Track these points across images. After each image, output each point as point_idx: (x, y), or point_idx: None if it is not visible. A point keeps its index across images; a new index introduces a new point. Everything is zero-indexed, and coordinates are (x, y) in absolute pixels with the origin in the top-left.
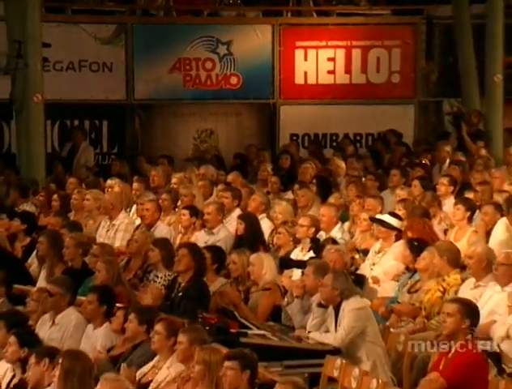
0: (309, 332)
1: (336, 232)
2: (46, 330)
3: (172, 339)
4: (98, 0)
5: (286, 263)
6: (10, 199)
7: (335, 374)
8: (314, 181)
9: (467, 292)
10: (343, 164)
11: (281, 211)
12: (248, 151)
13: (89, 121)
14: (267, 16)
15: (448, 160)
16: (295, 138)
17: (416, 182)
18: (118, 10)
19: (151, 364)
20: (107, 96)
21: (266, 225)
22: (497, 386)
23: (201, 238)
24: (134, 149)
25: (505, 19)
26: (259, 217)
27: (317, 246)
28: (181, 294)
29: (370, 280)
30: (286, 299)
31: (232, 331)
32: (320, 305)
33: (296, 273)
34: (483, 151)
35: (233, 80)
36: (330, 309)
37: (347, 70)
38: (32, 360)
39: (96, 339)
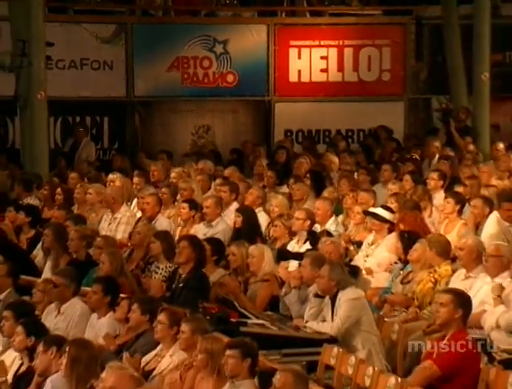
0: (306, 322)
1: (331, 225)
2: (52, 319)
3: (175, 328)
4: (99, 1)
5: (284, 255)
6: (14, 193)
7: (332, 361)
8: (308, 175)
9: (457, 282)
10: (336, 159)
11: (277, 204)
12: (244, 147)
13: (90, 117)
14: (262, 16)
15: (437, 155)
16: (289, 134)
17: (407, 177)
18: (118, 10)
19: (154, 352)
20: (108, 94)
21: (262, 218)
22: (488, 373)
23: (200, 231)
24: (134, 144)
25: (491, 20)
26: (256, 210)
27: (313, 239)
28: (182, 285)
29: (364, 271)
30: (284, 289)
31: (232, 320)
32: (317, 295)
33: (293, 264)
34: (471, 147)
35: (230, 78)
36: (327, 300)
37: (340, 69)
38: (40, 348)
39: (100, 329)
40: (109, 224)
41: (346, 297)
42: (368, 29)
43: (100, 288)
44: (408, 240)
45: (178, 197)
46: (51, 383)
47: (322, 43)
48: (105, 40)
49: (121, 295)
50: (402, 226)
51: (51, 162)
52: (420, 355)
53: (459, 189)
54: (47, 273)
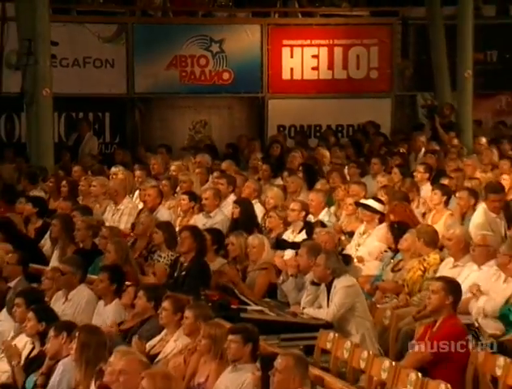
0: (303, 308)
1: (324, 216)
2: (60, 305)
3: (179, 314)
4: (101, 2)
5: (281, 245)
6: (21, 185)
7: (328, 346)
8: (301, 168)
9: (446, 270)
10: (327, 153)
11: (273, 196)
12: (239, 141)
13: (93, 113)
14: (256, 17)
15: (423, 149)
16: (282, 129)
17: (395, 170)
18: (119, 11)
19: (158, 337)
20: (109, 90)
21: (258, 210)
22: (476, 357)
23: (199, 221)
24: (135, 139)
25: (474, 20)
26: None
27: (309, 229)
28: (184, 273)
29: (355, 260)
30: (281, 277)
31: (233, 307)
32: (313, 282)
33: (288, 253)
34: (455, 141)
35: (225, 76)
36: (323, 287)
37: (330, 67)
38: (51, 333)
39: (106, 315)
40: (113, 215)
41: (341, 284)
42: (356, 29)
43: (106, 276)
44: (398, 230)
45: (178, 189)
46: (62, 366)
47: (313, 42)
48: (107, 39)
49: (127, 283)
50: (392, 217)
51: (56, 155)
52: (412, 339)
53: (445, 181)
54: (54, 262)
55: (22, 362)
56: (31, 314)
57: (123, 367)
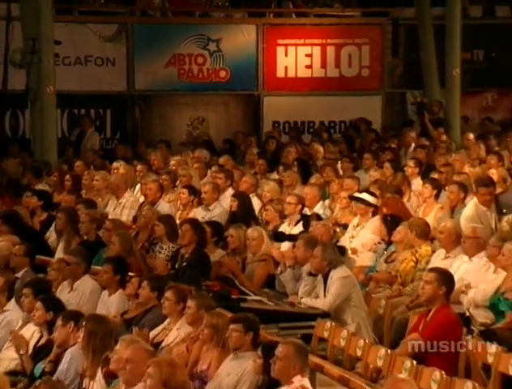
0: (300, 298)
1: (319, 209)
2: (65, 295)
3: (181, 304)
4: (102, 2)
5: (279, 237)
6: (25, 179)
7: (325, 334)
8: (296, 163)
9: (437, 262)
10: (321, 149)
11: (269, 189)
12: (235, 137)
13: (94, 109)
14: (252, 17)
15: (413, 145)
16: (277, 125)
17: (387, 165)
18: (120, 11)
19: (161, 326)
20: (110, 88)
21: (255, 203)
22: (468, 345)
23: (198, 214)
24: (135, 135)
25: (462, 20)
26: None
27: (306, 221)
28: (185, 264)
29: (349, 251)
30: (279, 268)
31: (233, 297)
32: (310, 273)
33: (284, 245)
34: (443, 137)
35: (222, 74)
36: (320, 278)
37: (323, 65)
38: (59, 322)
39: (110, 305)
40: (114, 208)
41: (337, 275)
42: (348, 29)
43: (110, 267)
44: (391, 222)
45: (178, 183)
46: (70, 354)
47: (307, 42)
48: (108, 38)
49: (130, 273)
50: (385, 210)
51: (59, 151)
52: (405, 328)
53: (435, 175)
54: (60, 253)
55: (30, 351)
56: (39, 304)
57: (130, 356)
